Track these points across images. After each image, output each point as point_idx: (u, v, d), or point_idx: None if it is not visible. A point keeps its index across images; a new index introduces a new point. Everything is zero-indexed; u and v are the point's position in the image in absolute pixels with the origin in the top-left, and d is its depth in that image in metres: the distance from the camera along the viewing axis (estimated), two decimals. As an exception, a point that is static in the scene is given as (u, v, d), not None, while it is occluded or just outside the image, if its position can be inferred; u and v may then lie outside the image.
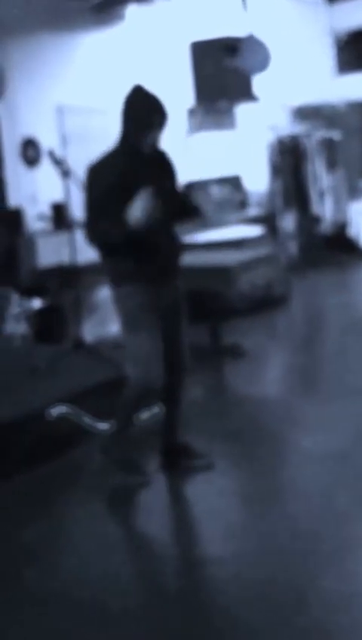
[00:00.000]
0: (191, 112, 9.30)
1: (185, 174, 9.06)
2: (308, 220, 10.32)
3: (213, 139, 9.51)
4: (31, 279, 7.10)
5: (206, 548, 3.57)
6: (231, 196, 9.41)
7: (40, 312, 6.66)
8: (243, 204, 9.62)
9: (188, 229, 8.58)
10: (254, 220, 9.20)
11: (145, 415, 4.80)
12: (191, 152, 9.13)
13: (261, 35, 8.70)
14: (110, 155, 4.01)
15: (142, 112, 3.97)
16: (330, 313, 8.06)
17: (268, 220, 9.47)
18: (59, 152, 7.06)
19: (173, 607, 3.13)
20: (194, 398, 5.43)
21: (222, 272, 6.52)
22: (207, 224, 8.78)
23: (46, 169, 7.30)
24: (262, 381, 6.11)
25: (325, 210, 10.40)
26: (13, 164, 7.55)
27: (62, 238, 6.65)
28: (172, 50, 9.00)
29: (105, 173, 3.91)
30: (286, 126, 10.38)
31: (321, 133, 10.39)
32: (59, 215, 7.21)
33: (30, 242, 7.30)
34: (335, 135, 10.49)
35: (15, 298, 6.60)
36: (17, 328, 6.41)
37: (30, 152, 7.65)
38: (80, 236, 7.05)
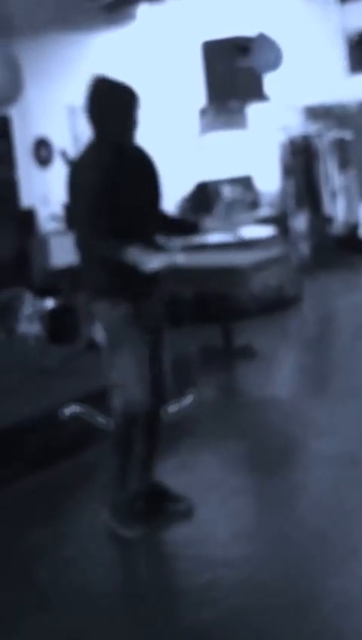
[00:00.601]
0: (203, 112, 9.30)
1: (196, 174, 9.09)
2: (319, 220, 10.30)
3: (224, 139, 9.51)
4: (44, 280, 7.12)
5: (216, 549, 3.57)
6: (243, 196, 9.40)
7: (53, 313, 6.68)
8: (254, 204, 9.61)
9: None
10: (266, 221, 9.19)
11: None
12: (203, 152, 9.14)
13: (272, 35, 8.71)
14: (92, 152, 3.66)
15: (128, 105, 3.65)
16: (342, 314, 8.05)
17: (280, 221, 9.46)
18: (71, 152, 7.09)
19: (184, 608, 3.14)
20: (205, 399, 5.44)
21: (234, 273, 6.51)
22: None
23: (58, 169, 7.33)
24: (273, 382, 6.10)
25: (337, 210, 10.38)
26: (26, 165, 7.57)
27: (71, 238, 6.66)
28: (183, 50, 9.01)
29: (93, 175, 3.55)
30: (298, 126, 10.36)
31: (333, 133, 10.38)
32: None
33: (43, 243, 7.33)
34: (347, 135, 10.47)
35: (28, 298, 6.63)
36: (30, 328, 6.44)
37: (42, 153, 7.68)
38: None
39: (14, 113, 7.35)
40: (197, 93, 9.19)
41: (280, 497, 4.04)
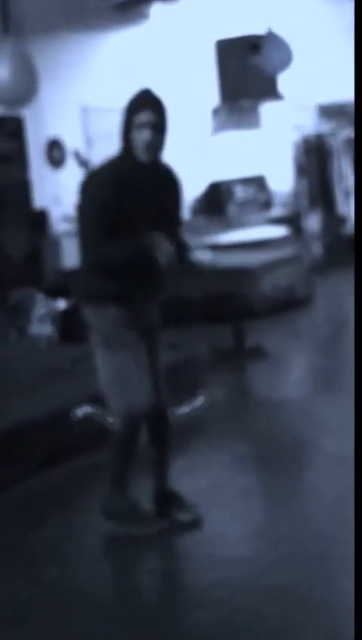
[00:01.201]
0: (216, 112, 9.30)
1: (209, 174, 9.09)
2: (333, 220, 10.28)
3: (237, 138, 9.50)
4: (56, 280, 7.14)
5: (225, 549, 3.58)
6: (256, 196, 9.40)
7: (65, 313, 6.70)
8: (267, 204, 9.60)
9: (212, 229, 8.59)
10: (278, 221, 9.18)
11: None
12: (216, 152, 9.13)
13: (286, 33, 8.68)
14: (107, 165, 3.60)
15: (127, 109, 3.51)
16: (354, 314, 8.02)
17: (293, 221, 9.45)
18: (84, 153, 7.11)
19: (191, 606, 3.15)
20: (215, 399, 5.44)
21: (245, 273, 6.52)
22: (230, 224, 8.79)
23: (71, 170, 7.35)
24: (284, 382, 6.10)
25: (351, 210, 10.36)
26: (39, 166, 7.59)
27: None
28: (196, 49, 9.00)
29: (97, 188, 3.52)
30: (312, 125, 10.34)
31: (347, 132, 10.34)
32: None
33: (55, 243, 7.35)
34: (361, 134, 10.43)
35: (40, 299, 6.65)
36: (42, 329, 6.46)
37: (55, 153, 7.70)
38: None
39: (27, 114, 7.37)
40: (210, 93, 9.18)
41: (291, 497, 4.04)
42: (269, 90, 9.35)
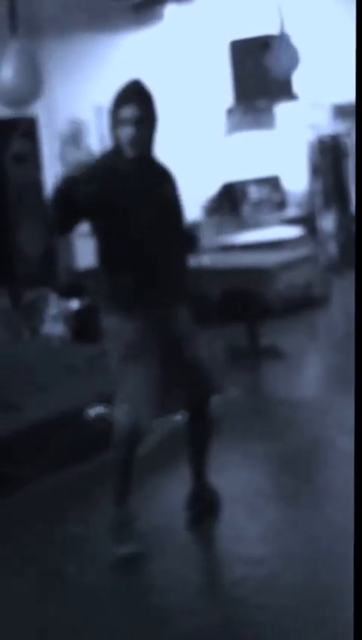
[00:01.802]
0: (230, 112, 9.28)
1: (223, 174, 9.07)
2: (348, 219, 10.23)
3: (251, 138, 9.48)
4: (69, 280, 7.14)
5: (245, 547, 3.57)
6: (270, 196, 9.37)
7: (78, 313, 6.69)
8: (282, 204, 9.57)
9: (227, 229, 8.57)
10: (293, 221, 9.15)
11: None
12: (230, 152, 9.11)
13: (301, 31, 8.66)
14: (98, 159, 3.56)
15: (112, 103, 3.46)
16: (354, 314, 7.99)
17: (308, 221, 9.41)
18: (98, 153, 7.10)
19: (213, 604, 3.15)
20: (231, 398, 5.42)
21: (261, 273, 6.50)
22: (245, 225, 8.76)
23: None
24: (299, 382, 6.09)
25: (365, 209, 10.31)
26: (53, 166, 7.58)
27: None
28: (211, 50, 8.99)
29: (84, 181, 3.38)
30: (327, 125, 10.30)
31: (362, 132, 10.30)
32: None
33: (68, 243, 7.34)
34: (377, 134, 10.39)
35: (53, 299, 6.65)
36: (55, 329, 6.46)
37: (69, 153, 7.69)
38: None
39: (41, 114, 7.37)
40: (225, 93, 9.16)
41: (308, 496, 4.03)
42: (284, 91, 9.32)
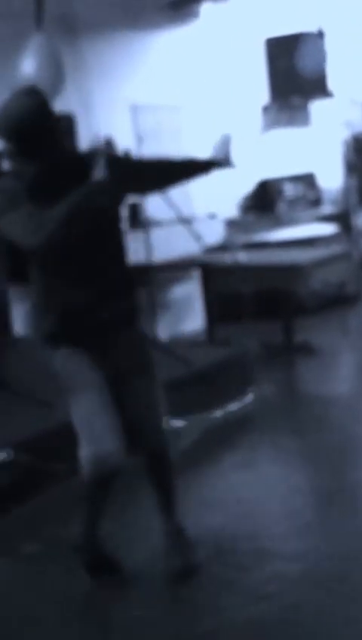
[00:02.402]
0: (266, 109, 9.29)
1: (258, 172, 9.08)
2: (382, 217, 10.19)
3: (287, 136, 9.48)
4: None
5: (276, 544, 3.59)
6: (305, 194, 9.37)
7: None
8: (317, 201, 9.56)
9: (262, 227, 8.59)
10: (328, 218, 9.14)
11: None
12: (265, 150, 9.12)
13: (336, 28, 8.63)
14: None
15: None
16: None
17: (343, 218, 9.40)
18: (134, 152, 7.15)
19: (243, 601, 3.17)
20: (265, 396, 5.46)
21: (295, 270, 6.52)
22: (280, 222, 8.78)
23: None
24: (332, 379, 6.09)
25: None
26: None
27: (137, 237, 6.73)
28: (246, 47, 9.00)
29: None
30: (362, 122, 10.27)
31: None
32: (135, 214, 7.30)
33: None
34: None
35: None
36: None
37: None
38: (155, 235, 7.15)
39: (79, 111, 7.43)
40: (260, 90, 9.18)
41: (340, 493, 4.04)
42: (318, 88, 9.31)
